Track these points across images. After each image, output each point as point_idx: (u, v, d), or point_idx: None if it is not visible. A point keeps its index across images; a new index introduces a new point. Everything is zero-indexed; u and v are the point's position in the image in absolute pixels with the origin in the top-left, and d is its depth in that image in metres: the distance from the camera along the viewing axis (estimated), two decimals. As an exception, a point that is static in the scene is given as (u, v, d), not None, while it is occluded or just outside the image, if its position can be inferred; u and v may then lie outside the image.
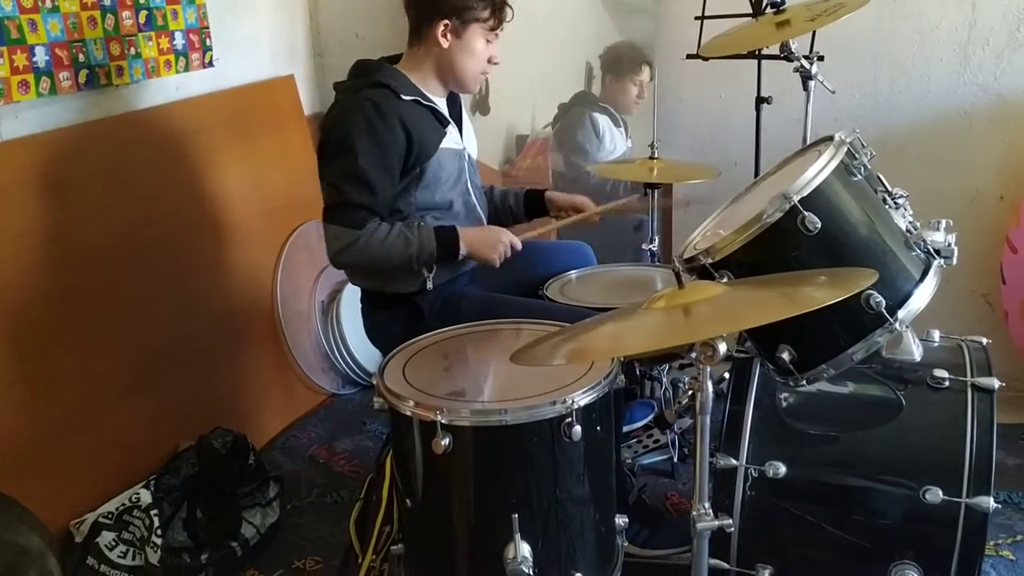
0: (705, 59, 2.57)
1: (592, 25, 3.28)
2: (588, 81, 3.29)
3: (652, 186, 2.69)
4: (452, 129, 2.22)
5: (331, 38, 3.54)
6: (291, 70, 3.35)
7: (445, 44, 2.15)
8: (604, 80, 3.27)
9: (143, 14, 2.59)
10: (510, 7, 2.19)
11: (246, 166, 2.96)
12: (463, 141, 2.28)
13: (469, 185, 2.28)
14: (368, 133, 2.06)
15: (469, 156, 2.30)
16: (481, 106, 3.36)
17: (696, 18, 2.69)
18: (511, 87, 3.32)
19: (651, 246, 2.72)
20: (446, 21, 2.13)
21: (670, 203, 3.09)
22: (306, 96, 3.39)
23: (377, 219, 2.09)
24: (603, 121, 3.27)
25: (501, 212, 2.47)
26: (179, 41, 2.75)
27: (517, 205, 2.45)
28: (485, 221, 2.33)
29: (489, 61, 2.21)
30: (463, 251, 2.12)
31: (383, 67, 2.20)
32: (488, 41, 2.18)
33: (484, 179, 2.51)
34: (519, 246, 2.20)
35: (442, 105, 2.25)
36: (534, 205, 2.44)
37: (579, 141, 3.28)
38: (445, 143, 2.18)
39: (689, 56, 2.67)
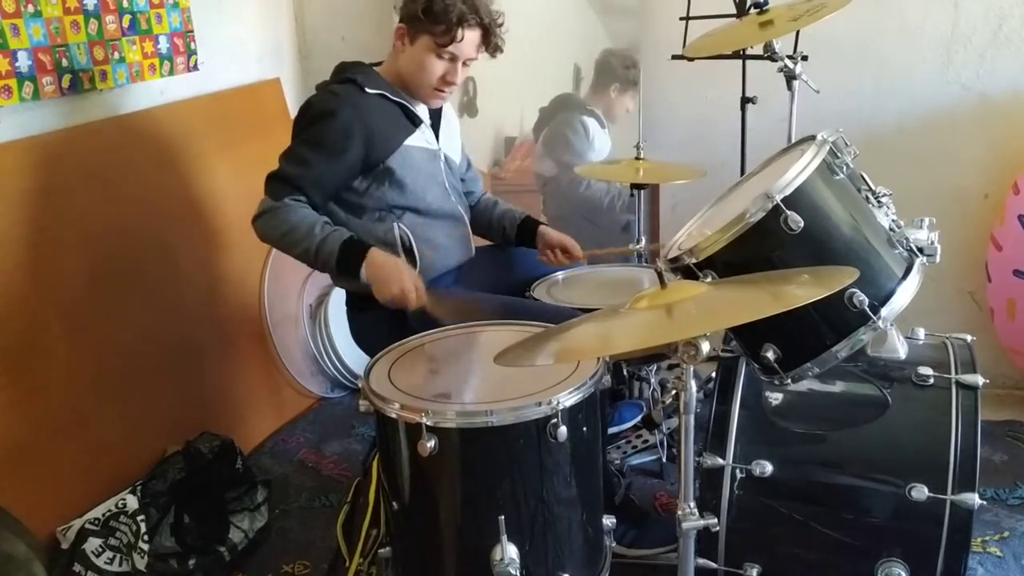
0: (690, 60, 2.57)
1: (580, 27, 3.29)
2: (576, 83, 3.30)
3: (638, 186, 2.69)
4: (425, 129, 2.22)
5: (317, 41, 3.54)
6: (277, 73, 3.35)
7: (400, 48, 2.16)
8: (601, 87, 3.25)
9: (127, 18, 2.58)
10: (474, 29, 2.11)
11: (232, 170, 2.95)
12: (439, 143, 2.28)
13: (447, 187, 2.27)
14: (316, 118, 2.09)
15: (447, 158, 2.30)
16: (469, 108, 3.36)
17: (681, 19, 2.69)
18: (499, 89, 3.32)
19: (638, 247, 2.72)
20: (402, 26, 2.14)
21: (657, 247, 3.07)
22: (292, 99, 3.38)
23: (301, 197, 2.06)
24: (592, 124, 3.27)
25: (494, 229, 2.47)
26: (163, 45, 2.74)
27: (511, 229, 2.44)
28: (467, 225, 2.33)
29: (444, 80, 2.16)
30: (363, 275, 2.02)
31: (357, 65, 2.22)
32: (440, 57, 2.12)
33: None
34: (412, 301, 1.98)
35: (416, 106, 2.24)
36: (526, 234, 2.43)
37: (572, 142, 3.28)
38: (413, 141, 2.18)
39: (674, 57, 2.67)
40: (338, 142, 2.07)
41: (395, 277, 2.00)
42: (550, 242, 2.38)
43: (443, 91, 2.20)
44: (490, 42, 2.18)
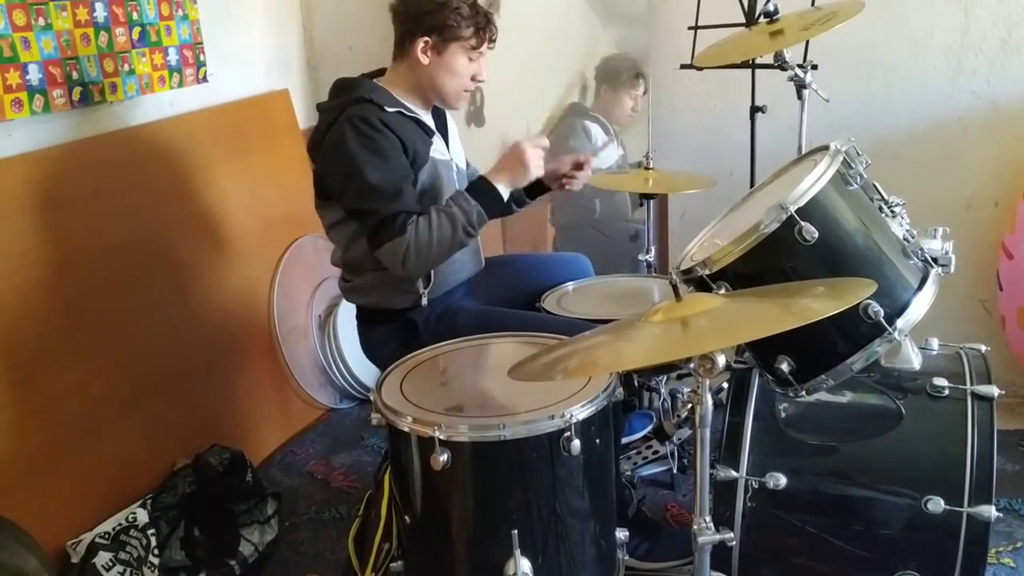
0: (699, 69, 2.57)
1: (585, 35, 3.29)
2: (582, 91, 3.30)
3: (648, 196, 2.69)
4: (437, 140, 2.22)
5: (325, 51, 3.54)
6: (285, 84, 3.35)
7: (425, 61, 2.14)
8: (599, 90, 3.27)
9: (136, 30, 2.59)
10: (494, 26, 2.17)
11: (241, 181, 2.96)
12: (449, 152, 2.27)
13: None
14: (364, 147, 2.03)
15: (457, 166, 2.29)
16: (476, 117, 3.36)
17: (689, 28, 2.69)
18: (505, 97, 3.31)
19: (647, 256, 2.72)
20: (427, 38, 2.11)
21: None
22: (301, 110, 3.38)
23: (414, 217, 2.02)
24: (596, 130, 3.27)
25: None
26: (173, 57, 2.74)
27: (518, 191, 2.42)
28: (477, 237, 2.30)
29: (473, 79, 2.18)
30: (502, 189, 2.08)
31: (363, 82, 2.19)
32: (471, 59, 2.15)
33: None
34: (545, 143, 2.12)
35: (426, 117, 2.24)
36: (533, 185, 2.36)
37: (574, 147, 3.28)
38: (433, 153, 2.17)
39: (683, 66, 2.67)
40: (398, 156, 2.06)
41: (515, 158, 2.08)
42: (559, 172, 2.33)
43: (470, 90, 2.23)
44: (494, 35, 2.19)
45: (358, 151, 2.02)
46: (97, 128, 2.49)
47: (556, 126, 3.33)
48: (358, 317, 2.28)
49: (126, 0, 2.54)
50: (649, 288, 2.51)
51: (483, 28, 2.13)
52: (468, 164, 2.46)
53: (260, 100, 3.20)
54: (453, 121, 2.42)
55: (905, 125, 2.97)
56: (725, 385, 1.97)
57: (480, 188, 2.08)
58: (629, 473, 2.56)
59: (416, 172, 2.11)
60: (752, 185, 2.64)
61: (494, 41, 2.20)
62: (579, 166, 2.31)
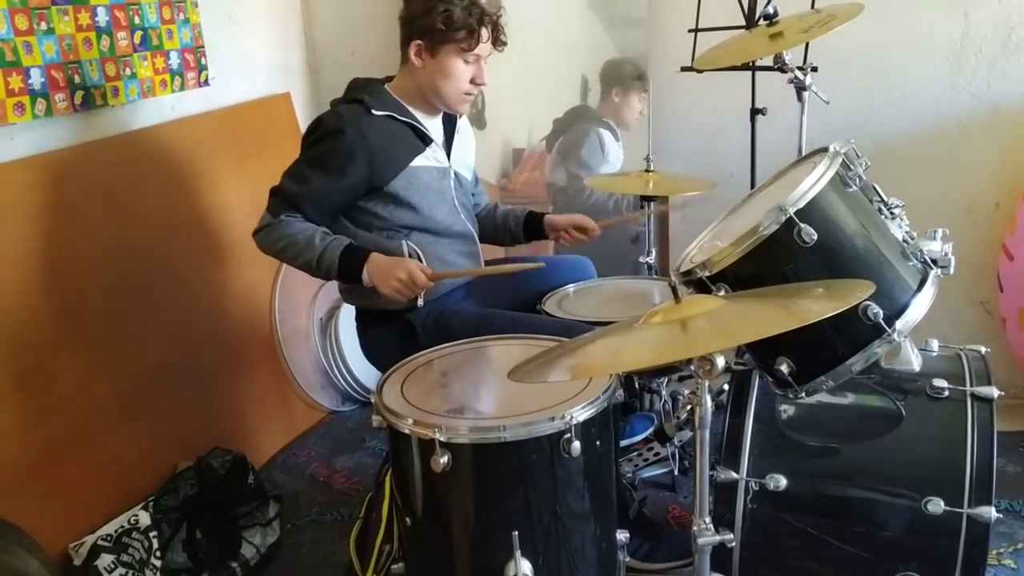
0: (699, 71, 2.57)
1: (587, 38, 3.29)
2: (584, 94, 3.30)
3: (648, 199, 2.69)
4: (435, 148, 2.22)
5: (326, 56, 3.55)
6: (287, 88, 3.36)
7: (420, 64, 2.15)
8: (609, 94, 3.26)
9: (138, 34, 2.60)
10: (496, 27, 2.16)
11: (242, 184, 2.96)
12: (450, 160, 2.27)
13: (456, 204, 2.26)
14: (321, 138, 2.10)
15: (457, 175, 2.29)
16: (477, 120, 3.37)
17: (689, 31, 2.69)
18: (507, 101, 3.32)
19: (648, 258, 2.72)
20: (419, 42, 2.13)
21: (666, 209, 3.08)
22: (302, 114, 3.39)
23: (296, 214, 2.08)
24: (608, 137, 3.27)
25: (501, 232, 2.46)
26: (174, 60, 2.75)
27: (517, 226, 2.44)
28: (477, 242, 2.31)
29: (472, 82, 2.17)
30: (364, 278, 2.05)
31: (368, 84, 2.22)
32: (467, 62, 2.14)
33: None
34: (422, 281, 2.02)
35: (429, 122, 2.24)
36: (534, 227, 2.44)
37: (584, 157, 3.28)
38: (421, 161, 2.18)
39: (683, 69, 2.67)
40: (339, 164, 2.08)
41: (396, 266, 2.03)
42: (560, 226, 2.40)
43: (472, 94, 2.22)
44: (499, 36, 2.19)
45: (315, 136, 2.12)
46: (99, 132, 2.50)
47: (564, 128, 3.33)
48: (357, 319, 2.29)
49: (128, 4, 2.55)
50: (649, 290, 2.51)
51: (474, 30, 2.11)
52: (477, 179, 2.47)
53: (261, 104, 3.21)
54: (470, 129, 2.43)
55: (905, 127, 2.97)
56: (726, 387, 1.97)
57: (352, 259, 2.05)
58: (630, 475, 2.56)
59: (387, 182, 2.12)
60: (752, 187, 2.65)
61: (501, 43, 2.20)
62: (582, 230, 2.38)
